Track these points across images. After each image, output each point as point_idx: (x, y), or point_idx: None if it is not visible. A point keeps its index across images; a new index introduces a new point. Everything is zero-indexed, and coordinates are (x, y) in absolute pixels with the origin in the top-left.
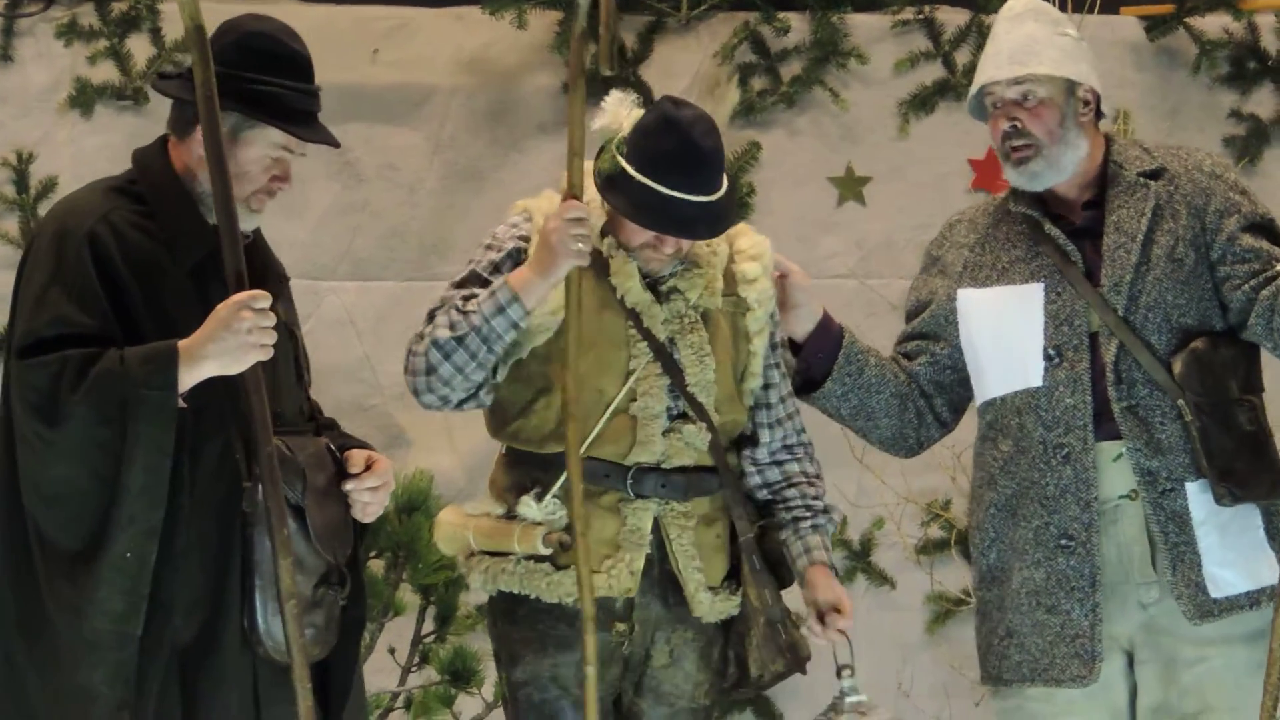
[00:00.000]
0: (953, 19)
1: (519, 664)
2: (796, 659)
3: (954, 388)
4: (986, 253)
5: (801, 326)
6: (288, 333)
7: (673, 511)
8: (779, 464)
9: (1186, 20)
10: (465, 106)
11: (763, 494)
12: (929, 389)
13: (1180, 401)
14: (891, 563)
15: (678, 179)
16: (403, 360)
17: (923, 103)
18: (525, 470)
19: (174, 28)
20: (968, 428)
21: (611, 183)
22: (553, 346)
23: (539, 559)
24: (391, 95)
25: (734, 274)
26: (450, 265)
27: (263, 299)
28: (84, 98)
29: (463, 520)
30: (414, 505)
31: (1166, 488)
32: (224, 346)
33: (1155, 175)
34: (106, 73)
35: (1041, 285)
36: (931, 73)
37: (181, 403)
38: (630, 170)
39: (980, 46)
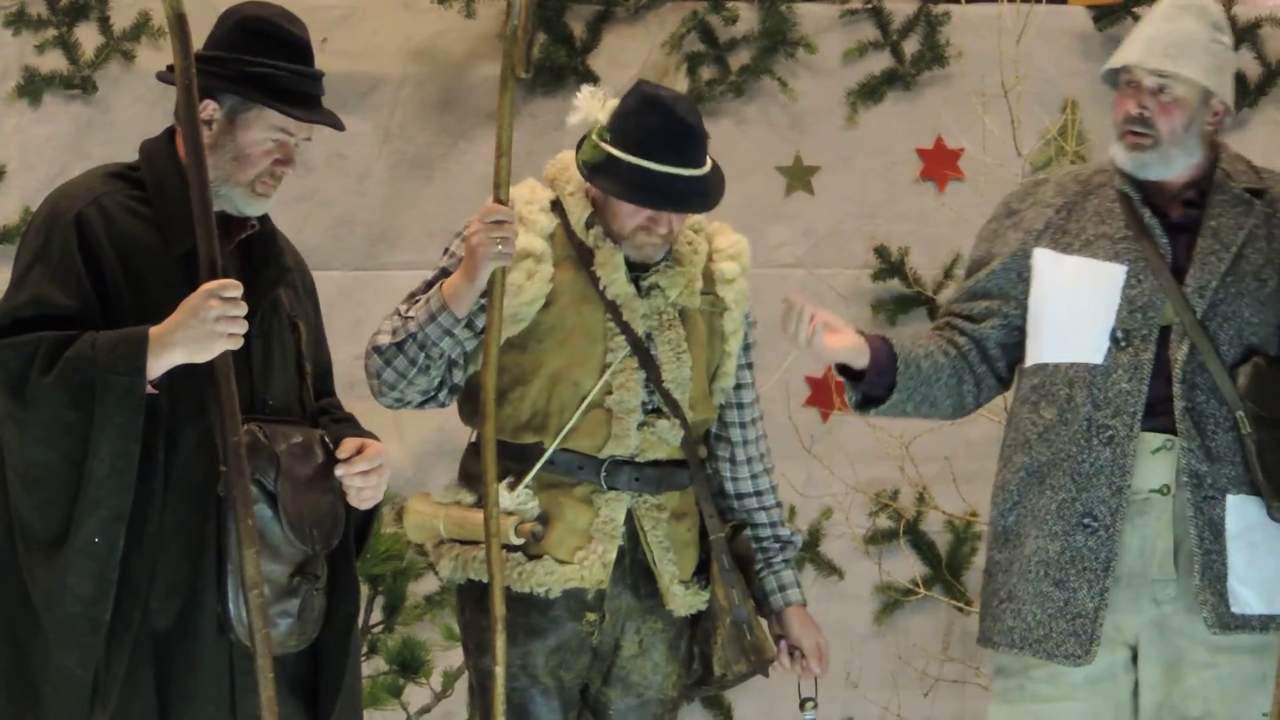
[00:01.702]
0: (901, 8)
1: (488, 652)
2: (760, 661)
3: (1018, 348)
4: (1072, 220)
5: (859, 359)
6: (290, 324)
7: (646, 504)
8: (753, 476)
9: (1134, 10)
10: (414, 96)
11: (732, 504)
12: (995, 352)
13: (1239, 413)
14: (840, 553)
15: (667, 154)
16: (353, 352)
17: (871, 92)
18: (504, 463)
19: (122, 17)
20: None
21: (599, 170)
22: (528, 336)
23: (510, 548)
24: (340, 84)
25: (712, 273)
26: (399, 254)
27: (232, 288)
28: (32, 87)
29: (432, 509)
30: None
31: (1210, 494)
32: (191, 334)
33: (1259, 194)
34: (54, 62)
35: (1125, 268)
36: (880, 62)
37: (151, 388)
38: (617, 153)
39: (929, 37)
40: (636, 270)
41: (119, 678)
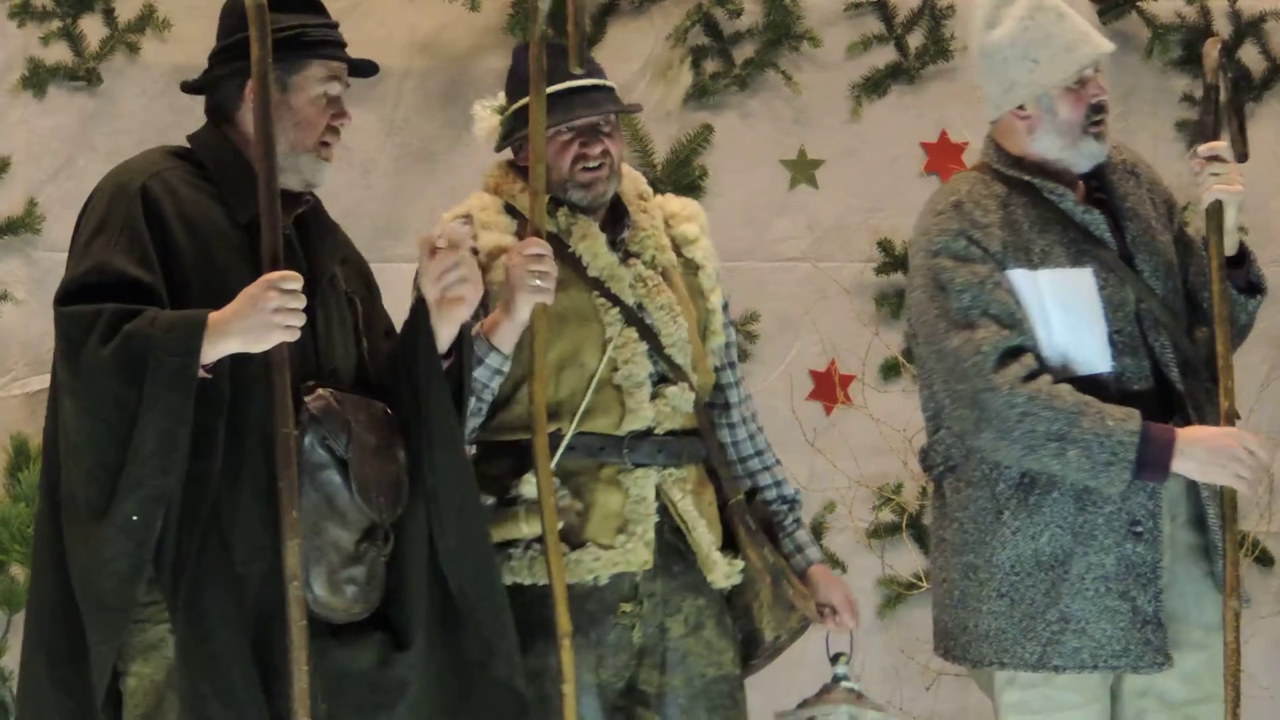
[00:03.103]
0: (905, 2)
1: (530, 654)
2: (809, 612)
3: None
4: (1018, 234)
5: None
6: (347, 299)
7: (671, 477)
8: (750, 436)
9: (1139, 4)
10: (419, 88)
11: (736, 469)
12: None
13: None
14: (843, 546)
15: (558, 71)
16: None
17: (875, 86)
18: (512, 458)
19: (127, 8)
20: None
21: (513, 131)
22: (526, 334)
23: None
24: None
25: (675, 238)
26: (404, 247)
27: (292, 280)
28: (37, 79)
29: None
30: None
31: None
32: (248, 324)
33: (1131, 167)
34: (59, 54)
35: (1090, 270)
36: (884, 56)
37: (205, 373)
38: (516, 105)
39: (934, 31)
40: (611, 243)
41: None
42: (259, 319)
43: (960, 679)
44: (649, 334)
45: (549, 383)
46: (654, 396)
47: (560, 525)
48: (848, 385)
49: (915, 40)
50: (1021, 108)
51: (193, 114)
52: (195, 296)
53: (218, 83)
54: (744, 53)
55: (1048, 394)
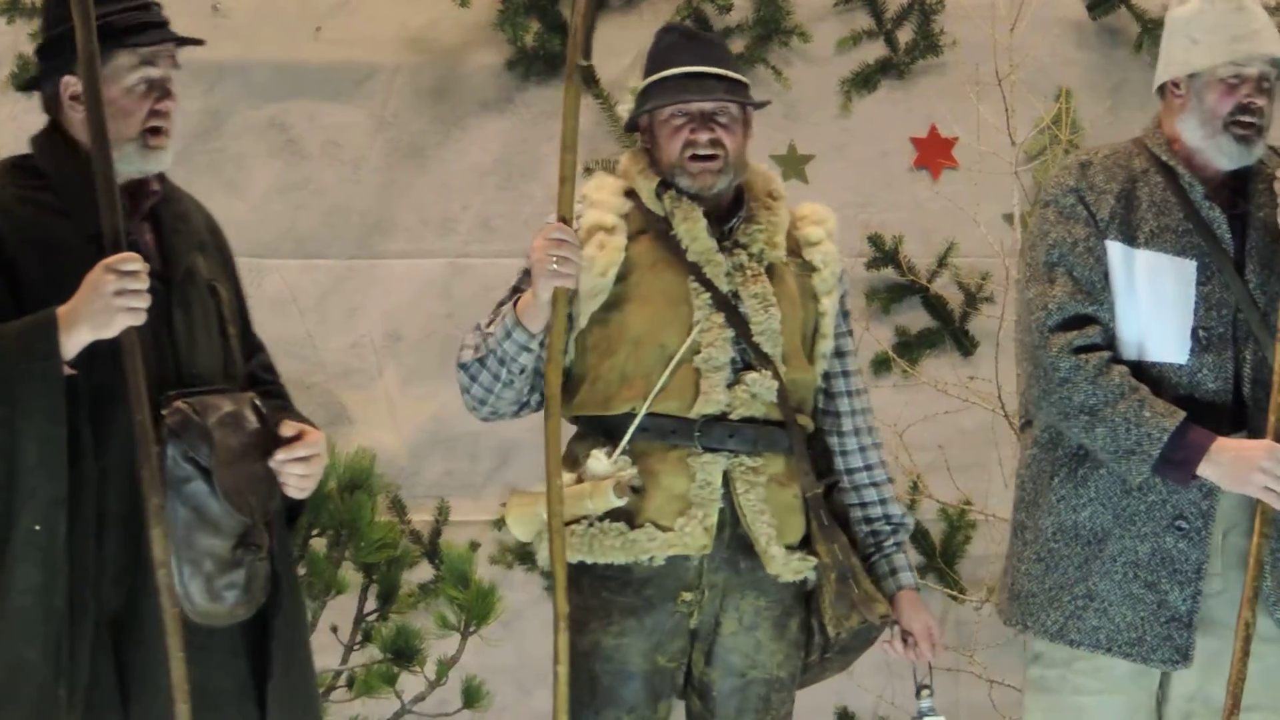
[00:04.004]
0: None
1: (585, 632)
2: (870, 615)
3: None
4: (1132, 210)
5: None
6: (209, 289)
7: (741, 466)
8: (862, 449)
9: None
10: (408, 84)
11: (842, 480)
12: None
13: None
14: None
15: (680, 58)
16: (349, 341)
17: (865, 81)
18: (593, 436)
19: None
20: (912, 405)
21: (637, 110)
22: (610, 309)
23: (614, 517)
24: (334, 72)
25: (797, 239)
26: (393, 243)
27: (129, 261)
28: (26, 76)
29: (531, 498)
30: (356, 484)
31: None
32: (92, 309)
33: None
34: None
35: (1195, 263)
36: (874, 51)
37: (69, 369)
38: (642, 84)
39: (923, 26)
40: (718, 232)
41: (85, 664)
42: (101, 303)
43: (952, 674)
44: (738, 320)
45: (629, 358)
46: (734, 383)
47: (622, 501)
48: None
49: (905, 35)
50: (1176, 85)
51: (181, 110)
52: None
53: (45, 81)
54: (734, 48)
55: (1095, 368)
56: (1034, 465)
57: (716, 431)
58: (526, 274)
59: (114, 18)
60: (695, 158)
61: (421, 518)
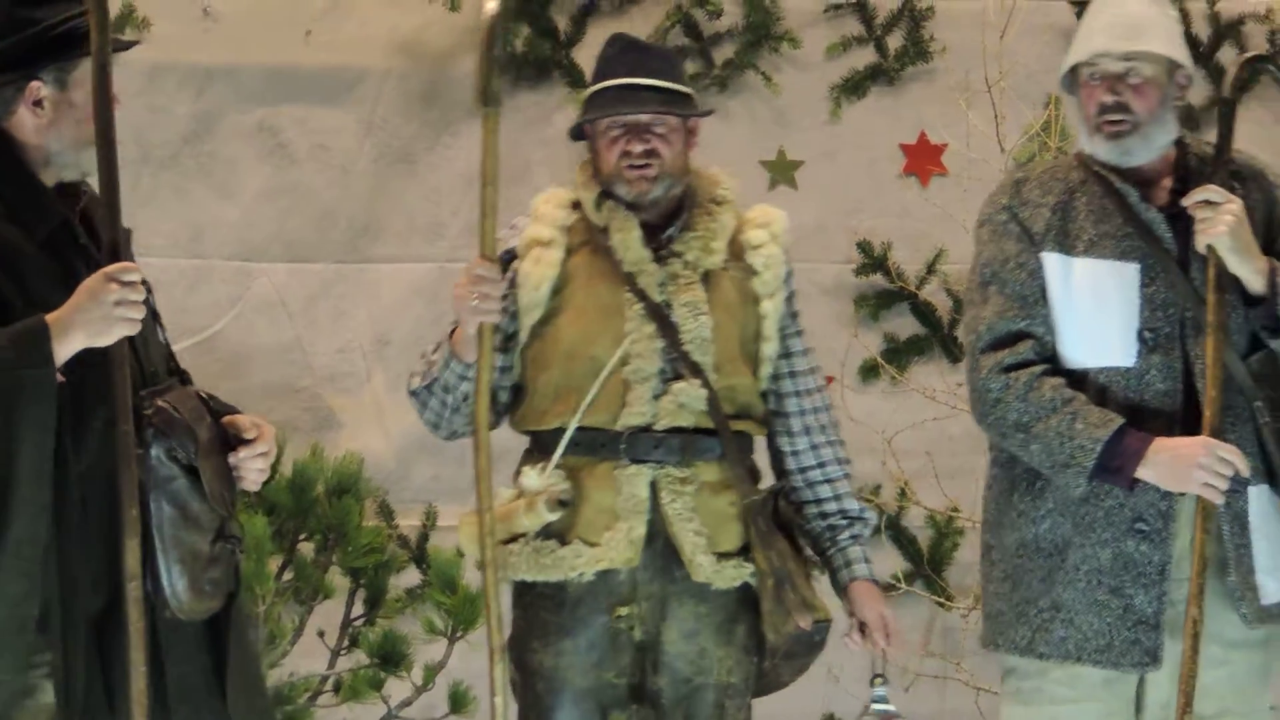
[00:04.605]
0: (885, 3)
1: (528, 651)
2: (805, 620)
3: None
4: (1070, 220)
5: None
6: (145, 284)
7: (669, 477)
8: (814, 447)
9: None
10: (398, 88)
11: (796, 479)
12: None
13: (1256, 403)
14: None
15: (620, 69)
16: (337, 345)
17: (855, 87)
18: (535, 451)
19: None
20: (900, 411)
21: (578, 121)
22: (545, 323)
23: (544, 536)
24: (324, 77)
25: (741, 242)
26: (382, 247)
27: (132, 271)
28: None
29: (478, 518)
30: (344, 488)
31: (1235, 488)
32: (90, 318)
33: (1233, 179)
34: None
35: (1137, 266)
36: (863, 57)
37: (59, 377)
38: (585, 93)
39: (913, 32)
40: (655, 242)
41: (78, 667)
42: (100, 312)
43: (938, 681)
44: (669, 330)
45: (561, 371)
46: (661, 394)
47: (554, 517)
48: (827, 386)
49: (895, 42)
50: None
51: (170, 113)
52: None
53: None
54: (724, 53)
55: (1024, 385)
56: (995, 485)
57: (643, 443)
58: None
59: (78, 22)
60: (631, 166)
61: (409, 523)
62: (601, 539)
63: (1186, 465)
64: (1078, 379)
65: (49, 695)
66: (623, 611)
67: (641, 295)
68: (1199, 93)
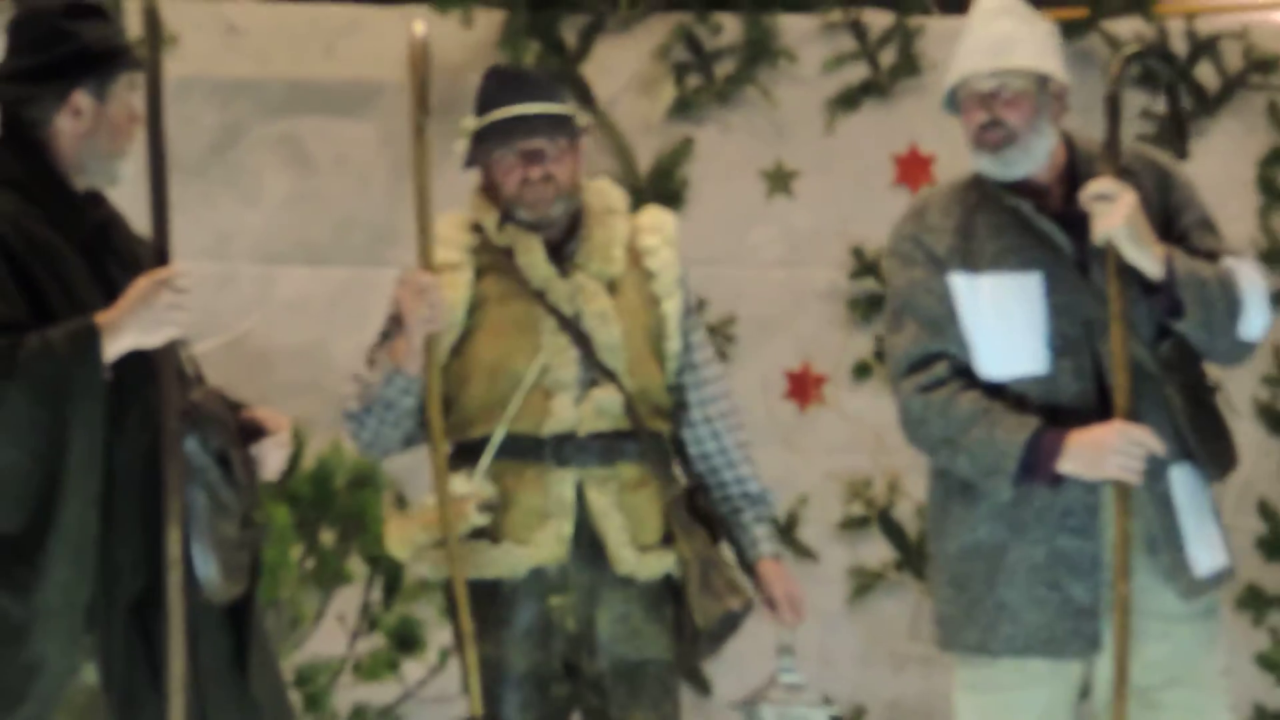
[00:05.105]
0: (878, 21)
1: (469, 648)
2: (735, 602)
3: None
4: (972, 240)
5: None
6: None
7: (593, 476)
8: (715, 435)
9: (1101, 24)
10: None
11: (699, 466)
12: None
13: (1168, 390)
14: (815, 538)
15: (506, 97)
16: (358, 341)
17: (849, 101)
18: (461, 460)
19: (135, 24)
20: (892, 408)
21: (471, 153)
22: (464, 341)
23: (476, 536)
24: (343, 90)
25: (637, 249)
26: (399, 251)
27: (181, 277)
28: None
29: (408, 521)
30: (363, 481)
31: (1156, 473)
32: (141, 320)
33: (1123, 172)
34: None
35: (1039, 275)
36: (857, 72)
37: (106, 374)
38: (472, 126)
39: (905, 48)
40: (558, 258)
41: (118, 649)
42: (152, 315)
43: (925, 663)
44: (582, 340)
45: (483, 385)
46: (581, 400)
47: (484, 521)
48: (821, 385)
49: (887, 58)
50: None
51: (197, 125)
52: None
53: (25, 98)
54: (724, 69)
55: (943, 402)
56: (933, 496)
57: (567, 447)
58: (394, 320)
59: (121, 44)
60: (530, 190)
61: None
62: (532, 539)
63: (1101, 452)
64: (996, 390)
65: (92, 676)
66: (555, 601)
67: (553, 310)
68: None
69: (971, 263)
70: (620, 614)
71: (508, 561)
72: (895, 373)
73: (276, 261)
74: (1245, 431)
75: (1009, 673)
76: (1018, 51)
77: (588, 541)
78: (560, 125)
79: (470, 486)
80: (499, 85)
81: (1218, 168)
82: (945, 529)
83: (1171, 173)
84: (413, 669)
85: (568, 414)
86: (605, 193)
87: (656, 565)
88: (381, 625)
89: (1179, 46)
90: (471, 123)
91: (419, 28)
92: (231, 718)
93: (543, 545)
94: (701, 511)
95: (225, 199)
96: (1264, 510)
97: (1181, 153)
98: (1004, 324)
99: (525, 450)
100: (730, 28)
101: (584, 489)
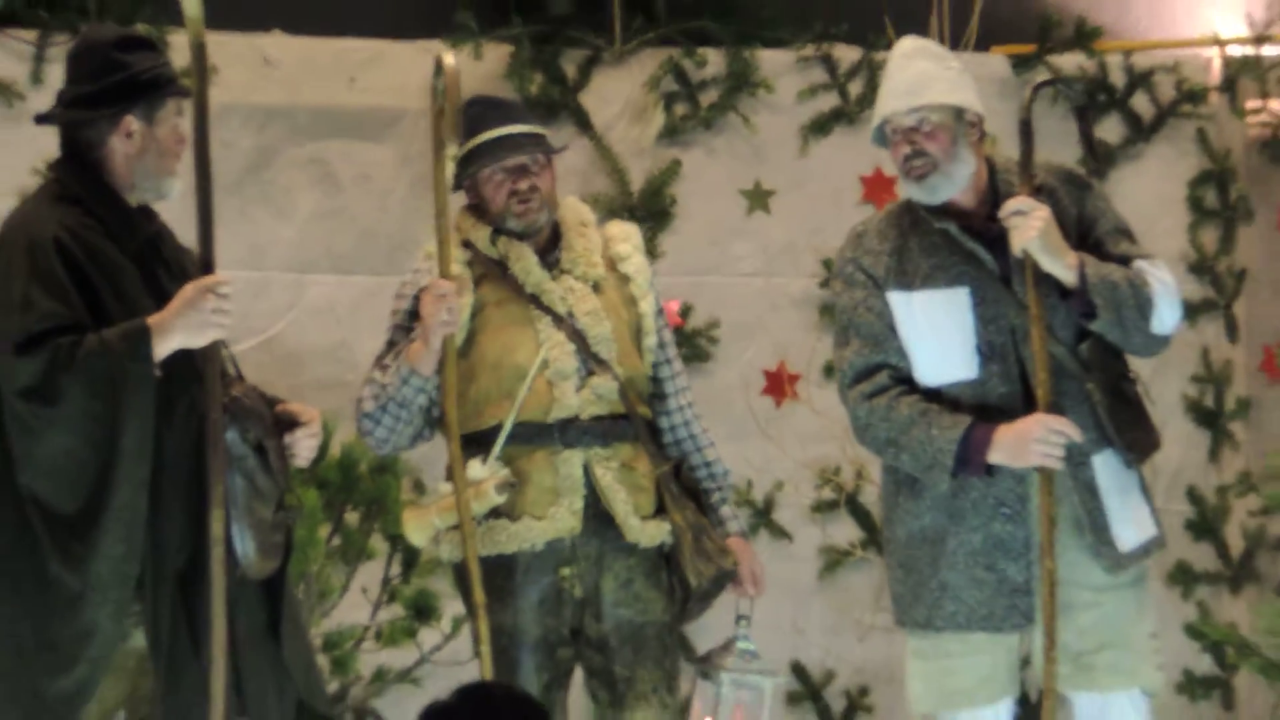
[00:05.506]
0: (847, 55)
1: (489, 615)
2: (726, 561)
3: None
4: (906, 260)
5: None
6: None
7: (597, 456)
8: (686, 421)
9: (1047, 58)
10: (430, 126)
11: (671, 447)
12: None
13: (1089, 385)
14: (789, 519)
15: (490, 122)
16: (380, 343)
17: (820, 127)
18: (470, 449)
19: (180, 57)
20: None
21: (458, 177)
22: (469, 344)
23: (496, 515)
24: (366, 116)
25: (611, 257)
26: (414, 260)
27: (226, 285)
28: None
29: (423, 510)
30: (384, 467)
31: (1080, 461)
32: (188, 323)
33: (1039, 190)
34: None
35: (966, 289)
36: (829, 101)
37: (156, 371)
38: (460, 152)
39: (871, 80)
40: (546, 264)
41: (165, 620)
42: (199, 318)
43: (887, 633)
44: (577, 335)
45: (490, 379)
46: (581, 388)
47: (503, 498)
48: (795, 383)
49: (855, 88)
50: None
51: (235, 147)
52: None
53: (83, 121)
54: (709, 98)
55: (885, 407)
56: (885, 489)
57: (572, 431)
58: (397, 328)
59: (163, 70)
60: (520, 201)
61: None
62: (547, 514)
63: (1025, 441)
64: (934, 395)
65: (140, 640)
66: (566, 572)
67: (549, 310)
68: (1115, 133)
69: (906, 282)
70: (624, 580)
71: (528, 536)
72: (843, 383)
73: (306, 270)
74: (1175, 425)
75: (953, 642)
76: (933, 88)
77: (594, 515)
78: (539, 143)
79: (487, 470)
80: (483, 111)
81: (1152, 188)
82: (895, 518)
83: (1087, 185)
84: (429, 636)
85: (571, 400)
86: (576, 208)
87: (656, 533)
88: (400, 597)
89: (1117, 79)
90: (455, 150)
91: (449, 59)
92: (266, 680)
93: (558, 519)
94: (687, 484)
95: (260, 214)
96: (1192, 495)
97: (1092, 167)
98: (937, 335)
99: (534, 435)
100: (714, 61)
101: (590, 467)
